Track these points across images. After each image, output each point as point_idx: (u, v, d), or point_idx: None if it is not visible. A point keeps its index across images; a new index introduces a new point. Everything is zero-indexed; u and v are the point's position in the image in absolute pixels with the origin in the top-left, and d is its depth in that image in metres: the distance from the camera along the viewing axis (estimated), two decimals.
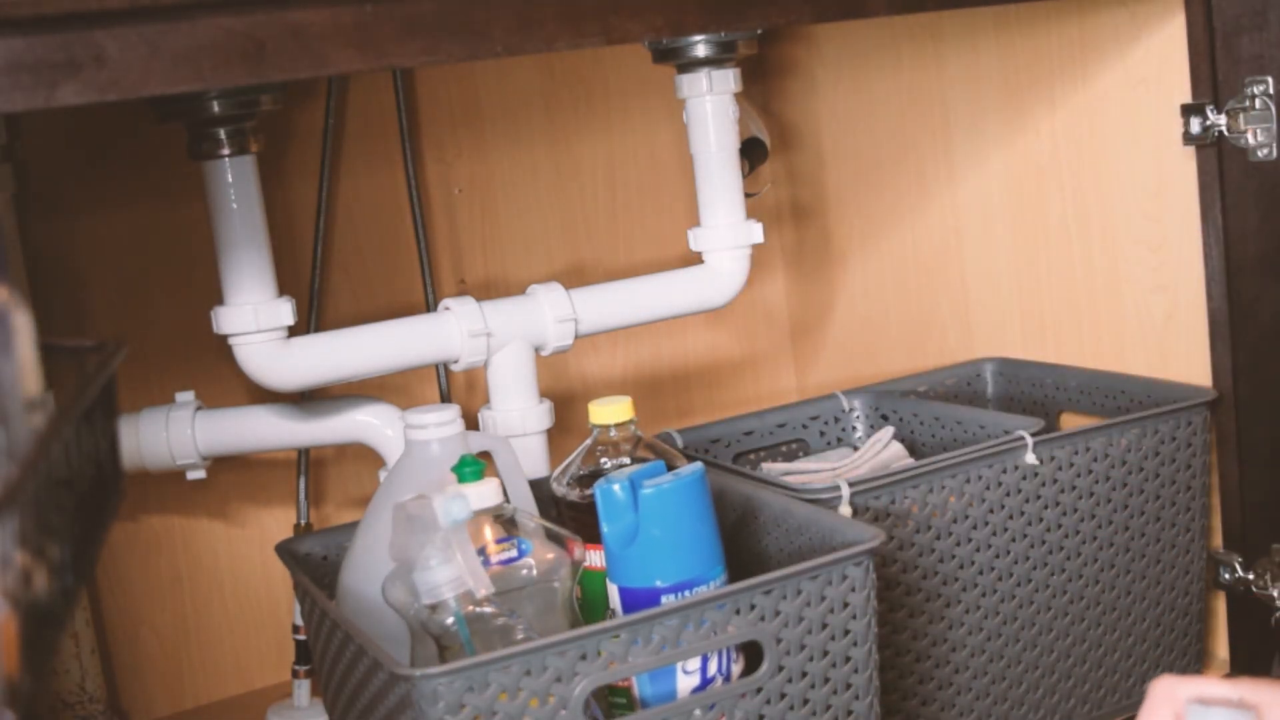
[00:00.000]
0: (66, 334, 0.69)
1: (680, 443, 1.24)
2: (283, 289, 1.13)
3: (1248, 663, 1.22)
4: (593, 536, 0.93)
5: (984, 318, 1.44)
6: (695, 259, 1.31)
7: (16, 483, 0.45)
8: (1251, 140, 1.12)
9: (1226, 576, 1.20)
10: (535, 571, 0.89)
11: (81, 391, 0.59)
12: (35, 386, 0.53)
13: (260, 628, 1.42)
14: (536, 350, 1.21)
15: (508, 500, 0.93)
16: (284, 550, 1.04)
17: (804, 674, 0.88)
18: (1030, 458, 1.08)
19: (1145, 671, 1.18)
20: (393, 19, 0.78)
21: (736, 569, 0.96)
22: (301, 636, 1.29)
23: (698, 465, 0.92)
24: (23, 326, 0.51)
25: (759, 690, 0.86)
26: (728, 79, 1.26)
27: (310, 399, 1.26)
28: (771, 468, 1.27)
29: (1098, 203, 1.28)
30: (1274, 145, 1.11)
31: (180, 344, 1.34)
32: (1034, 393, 1.35)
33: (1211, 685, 0.66)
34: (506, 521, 0.91)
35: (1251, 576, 1.19)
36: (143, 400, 1.22)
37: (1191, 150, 1.17)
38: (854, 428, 1.34)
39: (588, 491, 0.96)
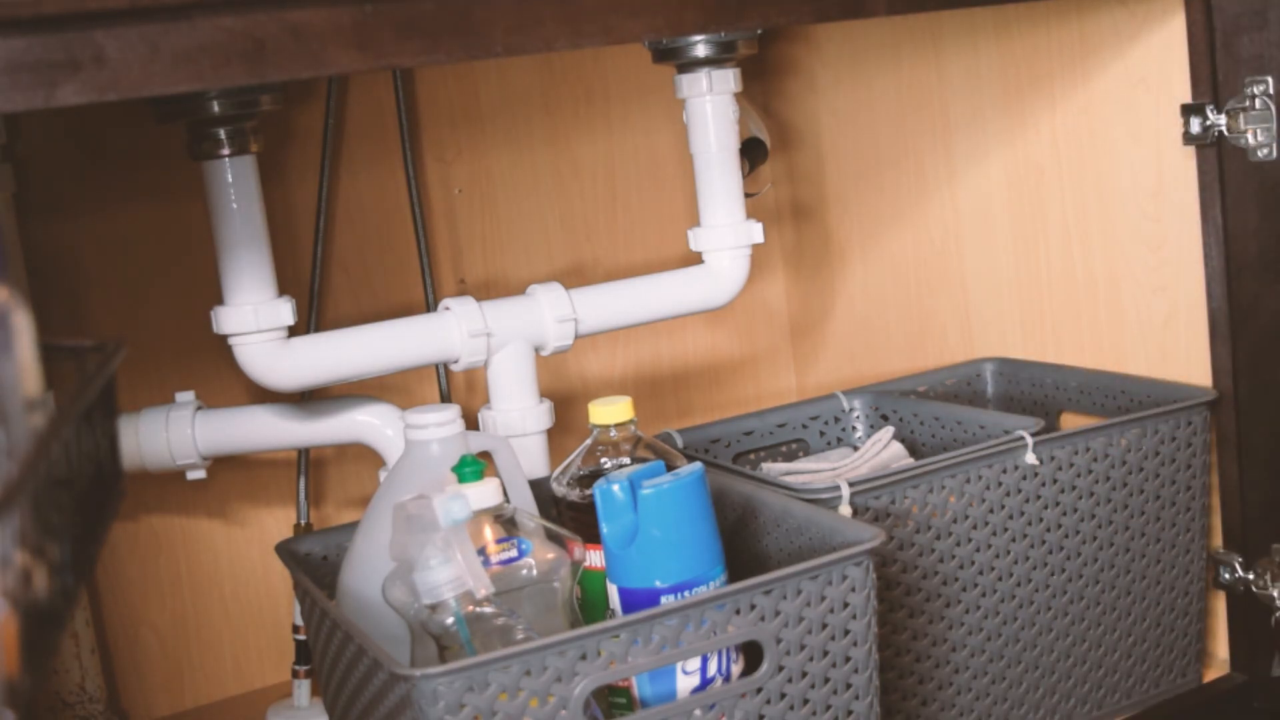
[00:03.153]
0: (66, 334, 0.69)
1: (680, 443, 1.24)
2: (283, 289, 1.13)
3: (1248, 663, 1.22)
4: (593, 536, 0.93)
5: (984, 318, 1.44)
6: (695, 259, 1.31)
7: (16, 483, 0.45)
8: (1251, 140, 1.12)
9: (1226, 576, 1.20)
10: (535, 571, 0.89)
11: (81, 391, 0.59)
12: (35, 386, 0.53)
13: (260, 628, 1.42)
14: (536, 350, 1.21)
15: (508, 500, 0.93)
16: (284, 550, 1.04)
17: (804, 674, 0.88)
18: (1030, 458, 1.08)
19: (1145, 672, 1.18)
20: (393, 19, 0.78)
21: (736, 569, 0.96)
22: (301, 636, 1.29)
23: (697, 465, 0.92)
24: (23, 326, 0.52)
25: (759, 690, 0.86)
26: (728, 79, 1.26)
27: (310, 399, 1.26)
28: (771, 468, 1.27)
29: (1098, 202, 1.28)
30: (1274, 145, 1.11)
31: (180, 344, 1.34)
32: (1034, 393, 1.35)
33: None
34: (506, 521, 0.91)
35: (1251, 576, 1.19)
36: (143, 400, 1.22)
37: (1191, 150, 1.17)
38: (854, 428, 1.34)
39: (588, 491, 0.96)
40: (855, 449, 1.30)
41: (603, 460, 1.01)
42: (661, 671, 0.86)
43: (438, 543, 0.86)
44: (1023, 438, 1.08)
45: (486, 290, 1.52)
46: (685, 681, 0.87)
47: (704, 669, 0.87)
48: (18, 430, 0.49)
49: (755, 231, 1.29)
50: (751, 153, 1.56)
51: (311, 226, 1.40)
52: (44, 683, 1.21)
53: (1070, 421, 1.31)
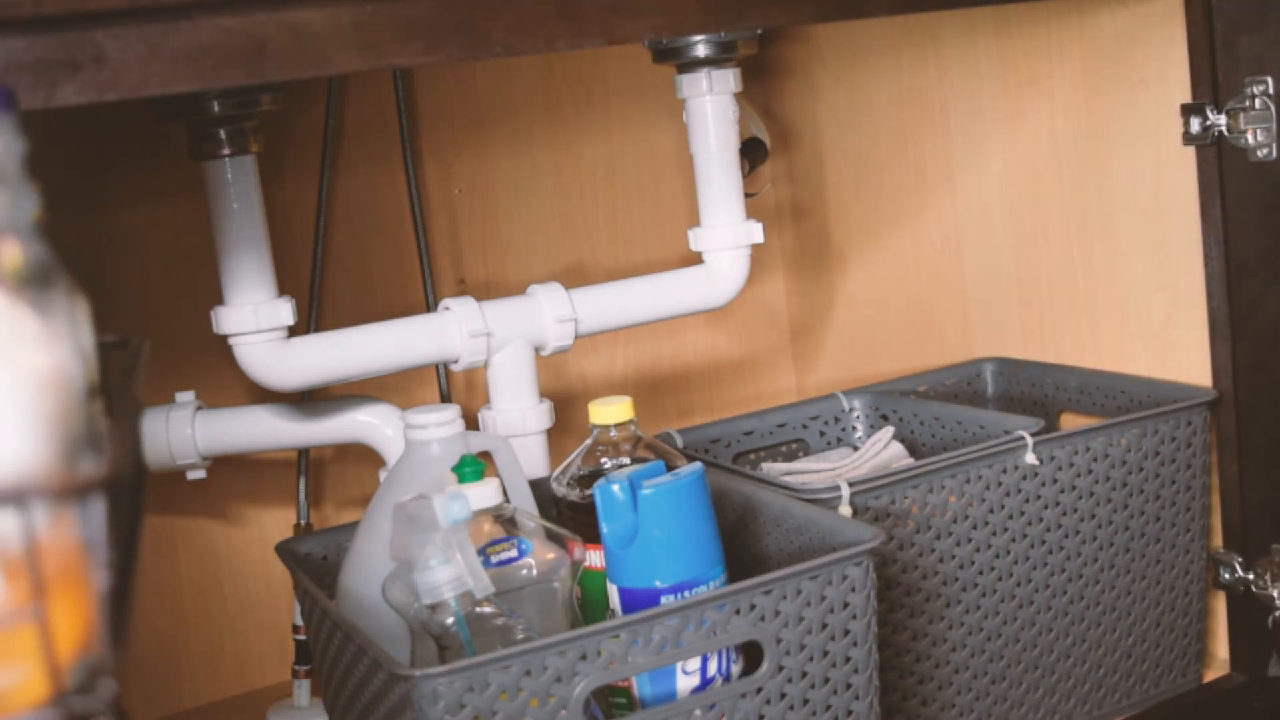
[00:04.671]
0: None
1: (680, 443, 1.24)
2: (283, 289, 1.13)
3: (1248, 663, 1.22)
4: (593, 536, 0.93)
5: (984, 318, 1.44)
6: (695, 259, 1.31)
7: (113, 467, 0.47)
8: (1251, 140, 1.12)
9: (1226, 576, 1.20)
10: (535, 571, 0.89)
11: (130, 382, 0.60)
12: (95, 375, 0.55)
13: (260, 628, 1.42)
14: (536, 350, 1.21)
15: (508, 500, 0.93)
16: (284, 550, 1.04)
17: (804, 674, 0.88)
18: (1030, 458, 1.08)
19: (1145, 672, 1.18)
20: (393, 19, 0.78)
21: (736, 569, 0.96)
22: (301, 636, 1.29)
23: (697, 465, 0.92)
24: (83, 315, 0.53)
25: (759, 690, 0.86)
26: (728, 79, 1.26)
27: (310, 399, 1.26)
28: (771, 468, 1.27)
29: (1098, 202, 1.28)
30: (1274, 145, 1.11)
31: (180, 344, 1.34)
32: (1034, 393, 1.35)
33: None
34: (506, 521, 0.91)
35: (1251, 576, 1.19)
36: (143, 400, 1.21)
37: (1191, 150, 1.17)
38: (854, 428, 1.34)
39: (588, 491, 0.96)
40: (855, 449, 1.30)
41: (603, 460, 1.01)
42: (661, 671, 0.86)
43: (438, 543, 0.86)
44: (1023, 438, 1.08)
45: (486, 290, 1.52)
46: (685, 681, 0.87)
47: (704, 669, 0.87)
48: (96, 416, 0.51)
49: (755, 231, 1.29)
50: (751, 153, 1.56)
51: (311, 226, 1.40)
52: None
53: (1070, 421, 1.31)
